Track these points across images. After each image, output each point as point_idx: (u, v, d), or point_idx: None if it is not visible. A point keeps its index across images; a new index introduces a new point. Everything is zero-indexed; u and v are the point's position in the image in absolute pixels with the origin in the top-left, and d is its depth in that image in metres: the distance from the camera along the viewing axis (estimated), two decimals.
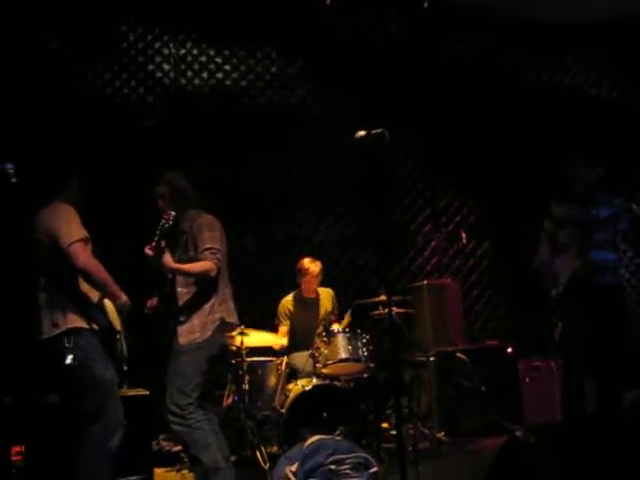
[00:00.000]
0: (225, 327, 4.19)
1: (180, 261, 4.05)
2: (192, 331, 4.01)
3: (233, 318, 4.25)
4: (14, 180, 3.42)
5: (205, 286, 4.07)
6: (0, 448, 4.45)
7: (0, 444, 4.46)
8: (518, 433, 2.45)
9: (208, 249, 4.02)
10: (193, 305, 4.05)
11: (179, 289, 4.06)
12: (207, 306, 4.07)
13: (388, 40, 7.33)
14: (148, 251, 3.89)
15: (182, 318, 4.04)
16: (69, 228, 3.63)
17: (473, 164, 7.28)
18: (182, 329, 4.02)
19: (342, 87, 7.07)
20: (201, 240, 4.03)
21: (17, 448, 4.53)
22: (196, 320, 4.03)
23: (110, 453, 3.64)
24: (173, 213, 3.83)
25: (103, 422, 3.64)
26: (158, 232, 3.80)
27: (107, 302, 3.77)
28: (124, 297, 3.78)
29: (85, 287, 3.71)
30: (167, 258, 3.91)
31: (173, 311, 4.08)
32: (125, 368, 3.78)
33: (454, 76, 7.33)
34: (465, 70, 7.44)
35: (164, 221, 3.79)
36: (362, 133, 3.38)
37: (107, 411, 3.65)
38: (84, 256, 3.61)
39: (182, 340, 4.00)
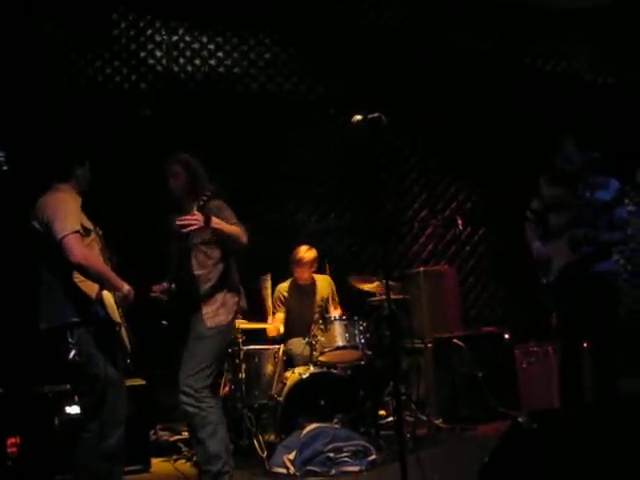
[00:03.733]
0: (239, 311, 4.22)
1: (193, 246, 4.00)
2: (217, 314, 3.99)
3: (244, 302, 4.29)
4: (5, 168, 3.35)
5: (221, 268, 4.06)
6: None
7: None
8: (521, 419, 2.43)
9: (234, 223, 4.01)
10: (214, 287, 4.02)
11: (196, 272, 4.01)
12: (227, 289, 4.06)
13: (383, 26, 7.27)
14: (182, 222, 3.77)
15: (205, 300, 3.99)
16: (64, 219, 3.48)
17: (469, 150, 7.26)
18: (207, 312, 3.98)
19: (336, 73, 7.03)
20: (225, 218, 3.98)
21: (12, 440, 4.51)
22: (220, 303, 4.01)
23: (106, 451, 3.56)
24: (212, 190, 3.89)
25: (100, 421, 3.55)
26: (202, 203, 3.81)
27: (106, 293, 3.61)
28: (126, 287, 3.64)
29: (83, 279, 3.57)
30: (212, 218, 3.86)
31: (190, 295, 4.01)
32: (128, 361, 3.69)
33: (450, 62, 7.28)
34: (461, 56, 7.39)
35: (207, 195, 3.84)
36: (358, 117, 3.33)
37: (105, 410, 3.56)
38: (78, 249, 3.45)
39: (210, 323, 3.96)
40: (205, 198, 3.85)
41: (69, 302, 3.53)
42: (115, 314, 3.62)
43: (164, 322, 3.95)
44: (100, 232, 3.76)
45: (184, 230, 3.77)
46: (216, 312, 3.99)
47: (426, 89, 7.12)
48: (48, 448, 4.51)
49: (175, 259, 4.04)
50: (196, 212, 3.79)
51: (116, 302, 3.63)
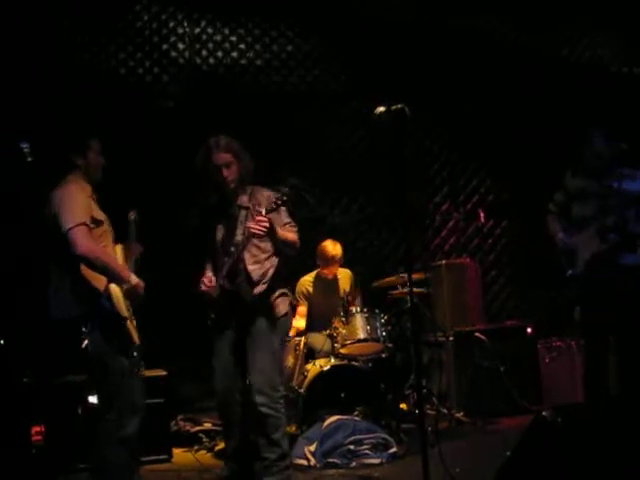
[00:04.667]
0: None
1: (245, 240, 3.82)
2: (277, 306, 3.94)
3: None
4: (30, 159, 3.35)
5: (275, 261, 3.96)
6: (20, 428, 4.47)
7: (20, 424, 4.48)
8: (545, 413, 2.41)
9: (288, 223, 3.94)
10: (271, 281, 3.92)
11: (250, 266, 3.87)
12: (282, 280, 4.02)
13: (405, 16, 7.20)
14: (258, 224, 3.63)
15: (265, 294, 3.89)
16: (71, 211, 3.44)
17: (491, 142, 7.19)
18: (268, 305, 3.91)
19: (359, 65, 6.99)
20: (277, 215, 3.84)
21: (37, 428, 4.56)
22: (278, 294, 3.96)
23: (125, 440, 3.55)
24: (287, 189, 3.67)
25: (116, 410, 3.56)
26: (274, 207, 3.65)
27: (113, 287, 3.55)
28: (134, 279, 3.59)
29: (90, 271, 3.52)
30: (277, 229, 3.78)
31: (245, 289, 3.91)
32: (135, 354, 3.66)
33: (472, 52, 7.21)
34: (483, 46, 7.32)
35: (282, 200, 3.66)
36: (382, 109, 3.29)
37: (120, 399, 3.56)
38: (83, 242, 3.40)
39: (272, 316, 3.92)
40: (279, 202, 3.67)
41: (76, 295, 3.51)
42: (122, 307, 3.56)
43: (212, 316, 3.89)
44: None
45: (254, 232, 3.65)
46: (275, 304, 3.93)
47: (449, 81, 7.06)
48: (71, 436, 4.56)
49: (219, 252, 3.93)
50: (264, 216, 3.64)
51: (124, 295, 3.60)
